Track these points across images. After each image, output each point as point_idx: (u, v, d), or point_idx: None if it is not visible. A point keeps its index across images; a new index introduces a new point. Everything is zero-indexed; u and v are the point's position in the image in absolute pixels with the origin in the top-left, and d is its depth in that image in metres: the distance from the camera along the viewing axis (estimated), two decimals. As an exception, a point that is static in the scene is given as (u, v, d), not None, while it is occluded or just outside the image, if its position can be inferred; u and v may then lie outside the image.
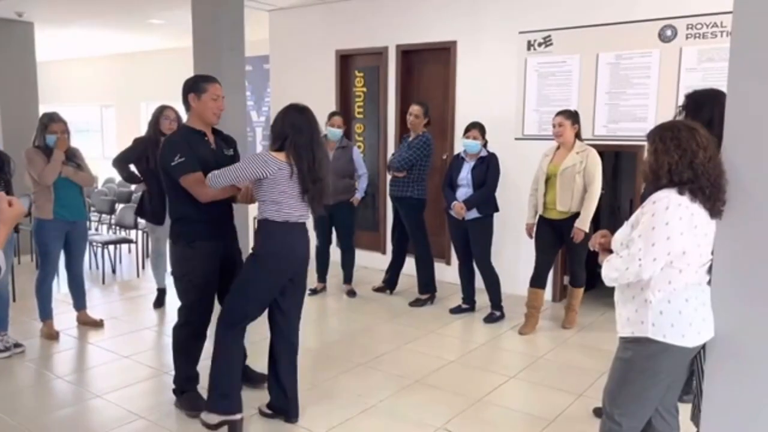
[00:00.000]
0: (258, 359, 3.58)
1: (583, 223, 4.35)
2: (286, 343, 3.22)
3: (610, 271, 2.19)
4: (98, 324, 4.72)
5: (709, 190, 2.03)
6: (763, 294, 1.99)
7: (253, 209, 4.38)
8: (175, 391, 3.42)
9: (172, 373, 3.63)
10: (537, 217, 4.61)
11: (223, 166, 3.10)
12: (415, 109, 5.20)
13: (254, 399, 3.40)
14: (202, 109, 3.19)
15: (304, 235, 3.10)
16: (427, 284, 5.38)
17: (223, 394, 3.03)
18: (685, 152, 2.06)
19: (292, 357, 3.25)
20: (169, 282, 4.26)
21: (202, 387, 3.28)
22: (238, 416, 3.05)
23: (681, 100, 3.44)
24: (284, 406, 3.24)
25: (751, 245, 2.00)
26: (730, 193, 2.03)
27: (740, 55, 1.98)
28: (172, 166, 3.09)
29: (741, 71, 1.98)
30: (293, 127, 2.93)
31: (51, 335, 4.43)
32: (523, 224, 4.74)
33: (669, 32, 4.76)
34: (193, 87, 3.20)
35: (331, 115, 5.45)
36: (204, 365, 3.22)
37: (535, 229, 4.64)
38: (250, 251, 3.08)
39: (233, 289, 3.07)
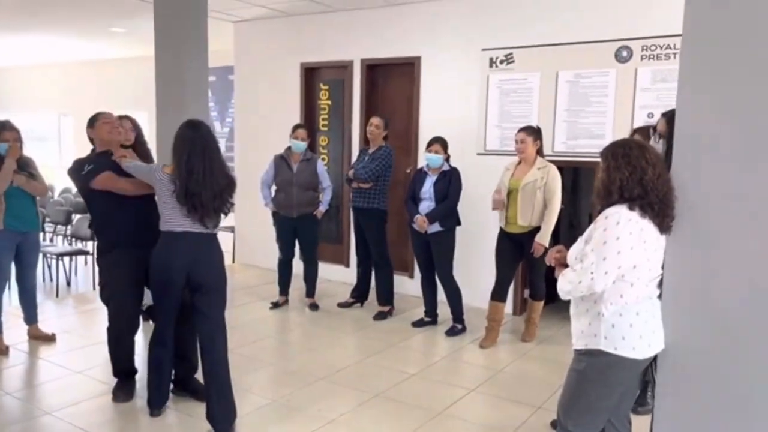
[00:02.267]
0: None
1: (543, 238, 4.43)
2: (204, 353, 3.20)
3: (564, 284, 2.24)
4: (50, 338, 4.57)
5: (658, 206, 2.10)
6: (710, 306, 2.06)
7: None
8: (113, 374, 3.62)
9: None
10: (498, 229, 4.68)
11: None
12: (375, 120, 5.26)
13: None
14: (99, 134, 3.56)
15: (197, 244, 3.15)
16: (387, 296, 5.39)
17: None
18: (635, 169, 2.13)
19: (212, 368, 3.17)
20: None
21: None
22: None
23: (643, 120, 3.55)
24: (208, 417, 3.18)
25: (699, 260, 2.07)
26: (678, 209, 2.10)
27: (687, 77, 2.06)
28: (83, 176, 3.38)
29: (688, 92, 2.06)
30: (180, 142, 3.11)
31: (0, 350, 4.27)
32: (485, 237, 4.80)
33: (625, 53, 4.91)
34: (88, 124, 3.62)
35: (296, 127, 5.44)
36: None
37: (495, 242, 4.70)
38: None
39: None
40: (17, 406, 3.57)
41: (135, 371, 3.69)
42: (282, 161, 5.40)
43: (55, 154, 11.66)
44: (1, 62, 8.36)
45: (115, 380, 3.66)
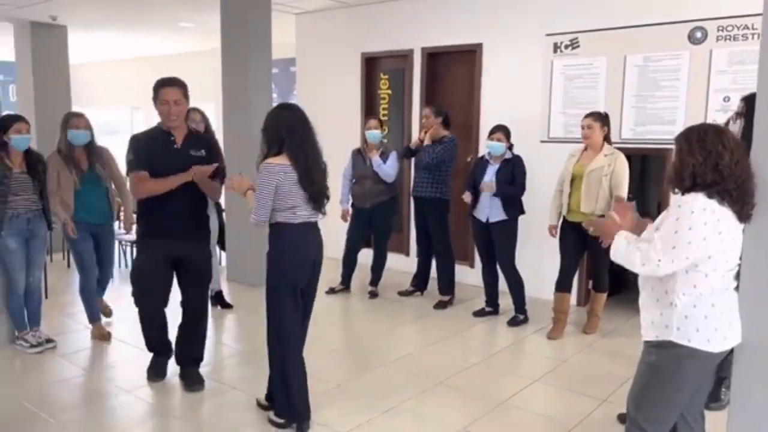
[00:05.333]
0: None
1: None
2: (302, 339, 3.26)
3: (619, 256, 2.16)
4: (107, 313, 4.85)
5: (736, 193, 2.00)
6: (792, 300, 1.96)
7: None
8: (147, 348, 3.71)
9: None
10: (561, 218, 4.58)
11: (187, 166, 3.32)
12: (425, 110, 5.34)
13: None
14: (158, 113, 3.37)
15: (318, 233, 3.14)
16: (448, 286, 5.38)
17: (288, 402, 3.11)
18: (710, 154, 2.03)
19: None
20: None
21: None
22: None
23: (719, 104, 3.41)
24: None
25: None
26: (759, 197, 2.01)
27: (770, 58, 1.96)
28: (126, 163, 3.38)
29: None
30: (287, 129, 2.95)
31: (103, 336, 4.46)
32: (548, 227, 4.70)
33: (699, 34, 4.69)
34: (153, 93, 3.36)
35: (367, 118, 5.56)
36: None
37: (558, 231, 4.61)
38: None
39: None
40: (98, 384, 3.79)
41: (169, 351, 3.73)
42: (358, 155, 5.49)
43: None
44: (76, 59, 8.75)
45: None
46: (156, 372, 3.72)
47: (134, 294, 3.61)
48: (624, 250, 2.15)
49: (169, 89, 3.31)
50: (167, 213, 3.36)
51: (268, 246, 3.06)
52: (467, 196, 4.82)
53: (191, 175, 3.32)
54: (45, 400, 3.49)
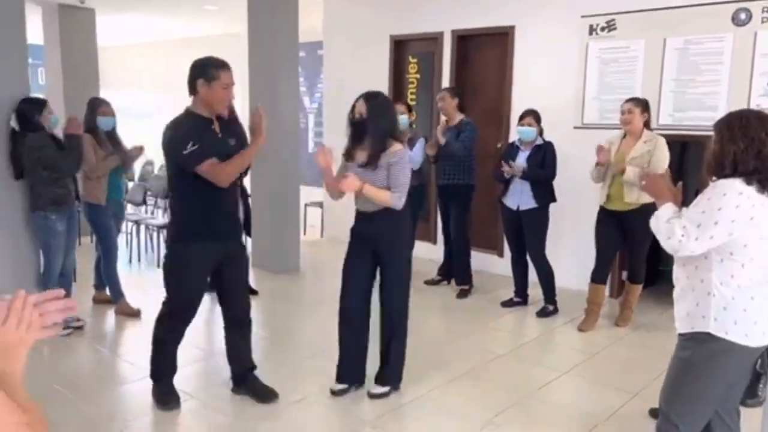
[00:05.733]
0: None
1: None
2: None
3: (655, 225, 2.11)
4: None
5: None
6: None
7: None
8: (151, 377, 3.29)
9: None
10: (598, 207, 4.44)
11: (226, 157, 3.00)
12: (440, 93, 5.25)
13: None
14: (211, 98, 2.99)
15: None
16: (464, 274, 5.28)
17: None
18: (753, 141, 1.97)
19: None
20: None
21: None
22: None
23: (763, 88, 3.25)
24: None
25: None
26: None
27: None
28: (185, 155, 2.91)
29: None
30: (396, 116, 3.37)
31: (134, 312, 4.56)
32: (579, 216, 4.57)
33: (743, 15, 4.48)
34: (204, 72, 2.97)
35: (394, 103, 5.45)
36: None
37: (596, 221, 4.45)
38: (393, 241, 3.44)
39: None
40: (125, 367, 3.83)
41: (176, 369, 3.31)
42: None
43: (154, 130, 12.26)
44: (102, 42, 8.78)
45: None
46: (173, 397, 3.25)
47: (176, 309, 3.16)
48: (661, 220, 2.10)
49: (230, 72, 3.00)
50: (219, 211, 3.05)
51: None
52: (517, 168, 4.60)
53: (262, 140, 3.08)
54: (73, 382, 3.51)
